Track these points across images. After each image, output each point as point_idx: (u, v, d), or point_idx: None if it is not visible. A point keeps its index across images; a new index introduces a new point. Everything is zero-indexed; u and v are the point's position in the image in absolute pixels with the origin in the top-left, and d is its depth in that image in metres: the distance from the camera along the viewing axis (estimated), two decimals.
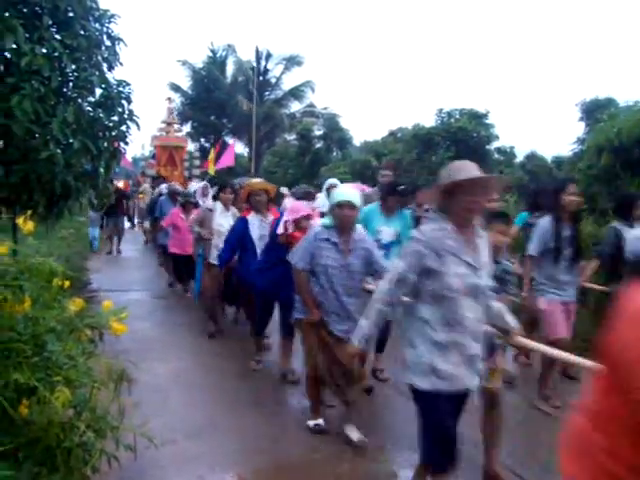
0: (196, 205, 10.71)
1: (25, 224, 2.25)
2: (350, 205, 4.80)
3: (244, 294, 7.53)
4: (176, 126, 28.95)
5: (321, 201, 7.99)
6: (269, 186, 7.57)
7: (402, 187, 6.70)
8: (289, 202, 7.19)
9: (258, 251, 6.92)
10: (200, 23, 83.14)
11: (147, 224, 16.43)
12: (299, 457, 4.70)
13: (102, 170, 7.25)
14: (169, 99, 30.72)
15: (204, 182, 13.21)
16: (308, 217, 5.95)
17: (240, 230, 7.11)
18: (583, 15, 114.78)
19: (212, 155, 24.38)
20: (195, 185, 13.50)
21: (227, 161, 24.27)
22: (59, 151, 6.13)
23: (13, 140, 5.97)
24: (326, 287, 4.91)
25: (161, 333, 8.27)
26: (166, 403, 5.63)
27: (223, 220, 8.28)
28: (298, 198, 7.22)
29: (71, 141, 6.25)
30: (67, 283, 2.33)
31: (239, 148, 28.27)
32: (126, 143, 7.45)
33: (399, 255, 3.58)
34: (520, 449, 4.87)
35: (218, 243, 7.98)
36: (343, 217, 4.81)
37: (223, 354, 7.34)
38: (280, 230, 6.05)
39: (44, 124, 5.93)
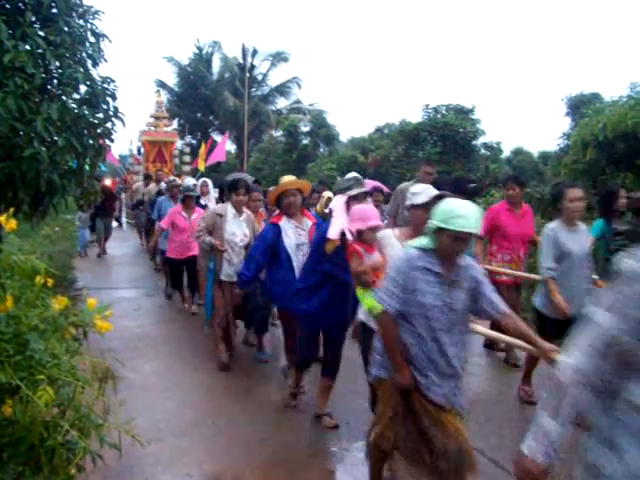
0: (198, 200, 9.77)
1: (7, 222, 2.23)
2: (470, 236, 3.35)
3: (284, 321, 6.04)
4: (165, 120, 27.96)
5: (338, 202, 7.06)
6: (304, 183, 6.27)
7: (473, 185, 5.89)
8: (339, 202, 5.00)
9: (295, 265, 5.68)
10: (186, 19, 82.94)
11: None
12: (286, 455, 4.70)
13: (87, 167, 7.22)
14: (158, 92, 29.74)
15: (203, 179, 11.66)
16: (375, 229, 4.46)
17: (271, 240, 5.74)
18: (569, 11, 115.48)
19: (203, 151, 23.27)
20: (190, 181, 11.50)
21: (218, 156, 23.51)
22: (44, 149, 6.12)
23: None
24: (425, 335, 3.49)
25: (148, 331, 8.22)
26: (152, 401, 5.61)
27: (236, 228, 6.79)
28: (351, 198, 5.02)
29: (56, 138, 6.23)
30: (51, 281, 2.31)
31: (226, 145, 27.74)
32: (111, 140, 7.44)
33: (603, 305, 2.02)
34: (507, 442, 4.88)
35: (232, 257, 6.74)
36: (454, 247, 3.37)
37: (211, 351, 7.32)
38: (333, 234, 4.70)
39: (28, 121, 5.90)
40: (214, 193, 11.14)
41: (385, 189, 11.09)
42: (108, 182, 19.40)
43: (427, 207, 3.80)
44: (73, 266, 12.98)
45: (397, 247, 4.09)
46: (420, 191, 4.07)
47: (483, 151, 28.97)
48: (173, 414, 5.38)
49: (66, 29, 6.48)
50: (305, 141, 36.10)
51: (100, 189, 14.82)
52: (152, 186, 14.97)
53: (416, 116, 30.64)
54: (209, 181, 11.21)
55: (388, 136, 31.36)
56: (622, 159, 13.18)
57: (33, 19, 6.22)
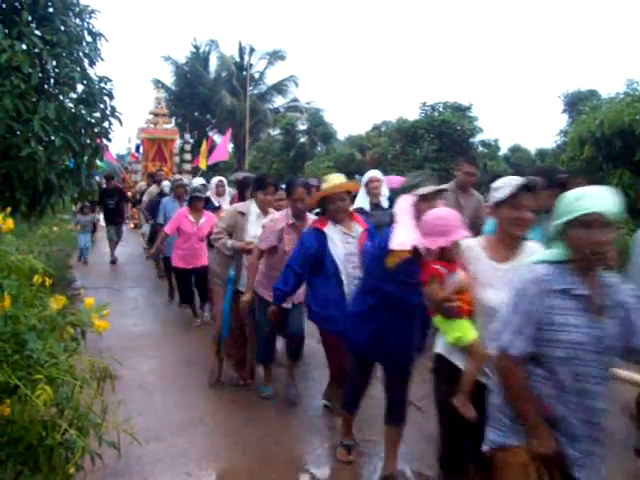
0: (207, 202, 8.60)
1: (5, 222, 2.23)
2: (605, 220, 2.48)
3: (327, 341, 5.05)
4: (165, 117, 26.80)
5: (360, 200, 6.66)
6: (353, 185, 5.41)
7: (565, 175, 4.83)
8: (404, 203, 3.86)
9: (343, 279, 4.72)
10: (183, 18, 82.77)
11: (145, 228, 12.76)
12: (285, 453, 4.70)
13: (85, 167, 7.22)
14: (157, 87, 28.99)
15: (218, 177, 10.01)
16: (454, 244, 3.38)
17: (315, 248, 4.78)
18: (566, 8, 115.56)
19: (204, 149, 22.18)
20: (198, 181, 10.56)
21: (220, 155, 22.22)
22: (41, 148, 6.13)
23: None
24: (567, 385, 2.56)
25: (145, 330, 8.22)
26: (151, 400, 5.61)
27: (258, 229, 5.74)
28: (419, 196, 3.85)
29: (53, 138, 6.24)
30: (48, 281, 2.31)
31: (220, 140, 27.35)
32: (109, 139, 7.45)
33: None
34: None
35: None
36: (594, 244, 2.47)
37: (209, 350, 7.31)
38: (399, 244, 3.58)
39: (25, 121, 5.90)
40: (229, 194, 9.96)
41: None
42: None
43: (515, 202, 3.16)
44: (71, 266, 12.96)
45: (485, 262, 3.27)
46: (502, 184, 3.26)
47: (481, 149, 28.94)
48: (171, 413, 5.38)
49: (63, 28, 6.48)
50: (302, 139, 36.07)
51: (111, 189, 14.21)
52: (153, 187, 13.58)
53: (413, 114, 30.62)
54: (225, 180, 9.95)
55: (385, 134, 31.35)
56: (619, 156, 13.19)
57: (29, 18, 6.22)
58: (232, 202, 8.61)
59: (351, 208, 5.18)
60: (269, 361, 5.92)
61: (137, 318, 8.80)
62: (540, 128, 74.35)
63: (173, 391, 5.95)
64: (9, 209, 2.39)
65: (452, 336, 3.27)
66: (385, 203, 6.91)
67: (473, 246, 3.37)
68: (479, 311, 3.20)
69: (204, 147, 22.11)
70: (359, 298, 4.20)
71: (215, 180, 9.66)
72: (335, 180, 4.94)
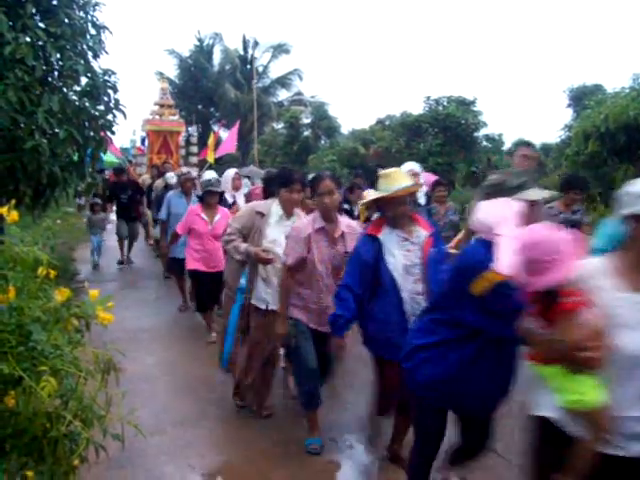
0: (221, 197, 7.81)
1: (9, 213, 2.23)
2: None
3: (386, 378, 4.17)
4: (171, 108, 25.35)
5: None
6: (417, 187, 4.56)
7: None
8: (506, 210, 2.95)
9: (404, 296, 3.93)
10: (187, 11, 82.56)
11: (156, 230, 11.35)
12: (288, 447, 4.70)
13: (88, 160, 7.23)
14: (162, 78, 27.88)
15: (234, 170, 9.25)
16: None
17: (370, 259, 3.97)
18: (571, 2, 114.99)
19: (211, 141, 20.73)
20: (210, 174, 8.78)
21: (228, 147, 21.15)
22: (45, 141, 6.12)
23: None
24: None
25: (150, 323, 8.24)
26: (154, 393, 5.63)
27: (279, 234, 4.93)
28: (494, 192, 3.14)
29: (57, 131, 6.24)
30: (53, 273, 2.31)
31: (224, 135, 26.93)
32: (112, 132, 7.44)
33: None
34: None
35: (269, 275, 5.00)
36: None
37: (212, 344, 7.32)
38: (504, 265, 2.64)
39: (29, 114, 5.90)
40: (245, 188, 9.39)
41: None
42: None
43: None
44: (74, 258, 12.98)
45: (617, 293, 2.45)
46: None
47: (485, 143, 28.87)
48: (175, 406, 5.40)
49: (67, 21, 6.47)
50: (306, 133, 36.00)
51: (123, 182, 13.19)
52: (159, 182, 12.80)
53: (417, 108, 30.56)
54: (247, 173, 9.28)
55: (389, 128, 31.29)
56: (624, 151, 13.18)
57: (33, 11, 6.21)
58: (248, 198, 8.27)
59: None
60: (316, 405, 4.68)
61: (141, 311, 8.81)
62: (544, 123, 74.20)
63: (177, 384, 5.97)
64: (13, 201, 2.39)
65: (570, 397, 2.45)
66: (422, 199, 6.42)
67: (595, 270, 2.53)
68: (609, 362, 2.38)
69: (212, 139, 21.03)
70: (428, 327, 3.25)
71: (231, 173, 8.85)
72: (397, 179, 4.07)
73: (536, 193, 3.05)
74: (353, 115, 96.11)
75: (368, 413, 4.55)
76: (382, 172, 4.21)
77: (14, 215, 2.26)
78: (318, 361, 4.55)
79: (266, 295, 5.00)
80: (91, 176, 7.71)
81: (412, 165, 6.39)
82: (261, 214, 5.03)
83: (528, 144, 6.62)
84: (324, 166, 25.77)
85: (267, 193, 5.72)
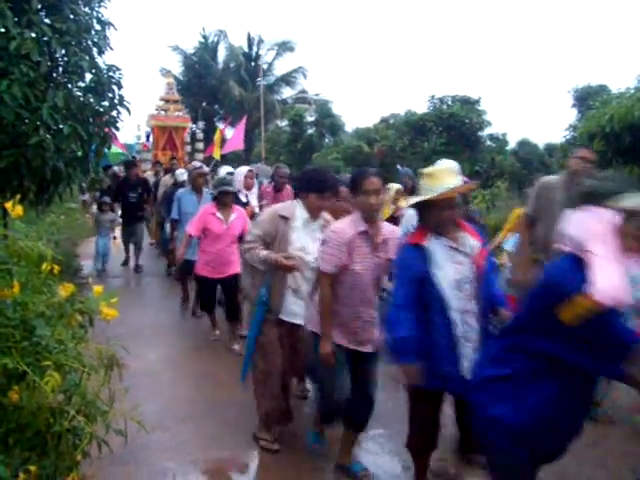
0: (237, 197, 7.45)
1: (14, 208, 2.24)
2: None
3: (422, 412, 3.65)
4: (177, 104, 25.05)
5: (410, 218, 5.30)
6: (469, 187, 4.36)
7: None
8: (600, 223, 2.49)
9: (454, 317, 3.39)
10: (191, 8, 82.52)
11: (167, 229, 10.02)
12: (292, 442, 4.70)
13: (93, 155, 7.23)
14: (168, 72, 27.62)
15: (247, 167, 8.57)
16: None
17: (419, 273, 3.40)
18: (576, 2, 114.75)
19: (217, 137, 20.25)
20: (225, 171, 8.63)
21: (235, 144, 20.16)
22: (49, 136, 6.13)
23: (2, 125, 5.95)
24: None
25: (152, 319, 8.24)
26: (157, 389, 5.64)
27: (307, 239, 4.48)
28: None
29: (61, 126, 6.24)
30: (57, 268, 2.32)
31: (229, 133, 26.65)
32: (117, 128, 7.45)
33: None
34: None
35: (299, 284, 4.49)
36: None
37: (216, 341, 7.32)
38: (610, 292, 2.31)
39: (34, 109, 5.91)
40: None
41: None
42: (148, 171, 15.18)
43: None
44: (77, 254, 13.00)
45: None
46: None
47: (489, 142, 28.85)
48: (178, 401, 5.41)
49: (72, 17, 6.47)
50: (310, 131, 36.00)
51: (134, 178, 11.91)
52: (166, 178, 12.28)
53: (422, 107, 30.56)
54: (255, 170, 8.45)
55: (394, 127, 31.27)
56: (629, 151, 13.13)
57: (39, 7, 6.21)
58: (261, 197, 8.27)
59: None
60: (332, 422, 4.31)
61: (144, 307, 8.82)
62: (549, 123, 74.06)
63: (179, 380, 5.98)
64: (18, 196, 2.40)
65: None
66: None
67: None
68: None
69: (218, 136, 20.50)
70: (500, 355, 2.78)
71: (243, 170, 8.22)
72: (444, 178, 3.50)
73: (631, 201, 2.48)
74: (357, 113, 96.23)
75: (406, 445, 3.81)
76: (425, 171, 3.62)
77: (18, 210, 2.26)
78: (355, 387, 4.02)
79: (297, 308, 4.44)
80: (95, 172, 7.71)
81: (449, 164, 5.59)
82: (285, 218, 4.45)
83: (586, 146, 6.20)
84: (328, 164, 25.76)
85: (297, 192, 4.97)
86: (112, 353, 2.20)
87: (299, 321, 4.42)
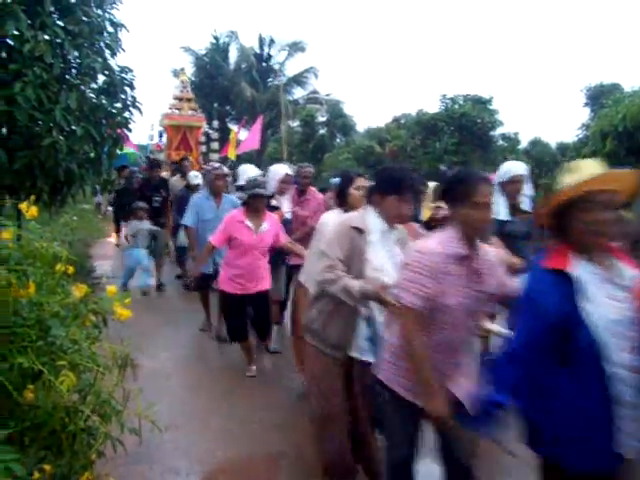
0: (268, 202, 6.38)
1: (28, 209, 2.25)
2: None
3: None
4: (191, 103, 23.64)
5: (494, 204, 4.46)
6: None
7: None
8: None
9: (613, 370, 2.49)
10: (203, 9, 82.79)
11: (182, 237, 9.31)
12: (302, 441, 4.71)
13: (105, 157, 7.26)
14: (182, 70, 26.41)
15: (283, 167, 7.24)
16: None
17: (559, 311, 2.52)
18: (589, 0, 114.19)
19: (233, 137, 19.58)
20: (254, 171, 7.64)
21: (251, 143, 19.28)
22: (62, 138, 6.16)
23: (16, 127, 6.00)
24: None
25: (164, 319, 8.26)
26: (169, 388, 5.66)
27: (386, 257, 3.63)
28: None
29: (74, 128, 6.27)
30: (71, 268, 2.33)
31: (243, 135, 26.28)
32: (129, 130, 7.48)
33: None
34: None
35: (373, 312, 3.65)
36: None
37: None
38: None
39: (47, 111, 5.94)
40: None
41: None
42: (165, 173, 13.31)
43: None
44: (90, 255, 13.05)
45: None
46: None
47: (501, 142, 28.74)
48: (190, 401, 5.43)
49: (84, 19, 6.50)
50: (322, 131, 36.01)
51: (157, 180, 10.70)
52: (176, 178, 11.37)
53: (433, 106, 30.47)
54: (291, 171, 7.17)
55: (405, 126, 31.22)
56: None
57: (52, 9, 6.24)
58: (293, 202, 7.14)
59: None
60: None
61: (156, 307, 8.84)
62: (561, 122, 73.68)
63: (191, 380, 6.00)
64: (33, 197, 2.41)
65: None
66: (527, 205, 5.33)
67: None
68: None
69: (233, 135, 19.94)
70: None
71: (280, 171, 6.91)
72: (591, 168, 2.60)
73: None
74: (369, 113, 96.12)
75: None
76: (567, 165, 2.77)
77: (33, 211, 2.28)
78: (447, 457, 3.18)
79: (366, 343, 3.66)
80: (107, 173, 7.74)
81: (516, 165, 5.21)
82: (359, 231, 3.56)
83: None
84: (340, 165, 25.75)
85: (341, 200, 4.52)
86: (126, 353, 2.21)
87: (372, 358, 3.53)
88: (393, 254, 3.61)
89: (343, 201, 4.50)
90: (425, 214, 5.15)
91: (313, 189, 7.49)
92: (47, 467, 1.92)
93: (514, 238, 4.96)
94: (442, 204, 5.58)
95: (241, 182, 7.26)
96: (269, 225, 5.99)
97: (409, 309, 2.95)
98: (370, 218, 3.63)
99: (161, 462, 4.27)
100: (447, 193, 3.15)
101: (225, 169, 7.82)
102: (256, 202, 5.91)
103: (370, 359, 3.57)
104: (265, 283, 6.13)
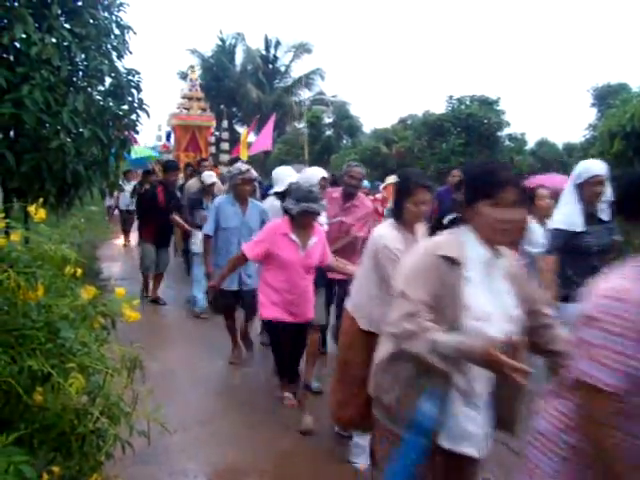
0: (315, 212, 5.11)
1: (37, 211, 2.26)
2: None
3: None
4: (201, 102, 23.07)
5: (568, 208, 4.58)
6: None
7: None
8: None
9: None
10: (209, 11, 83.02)
11: (196, 246, 8.45)
12: (310, 444, 4.71)
13: (112, 159, 7.29)
14: (192, 67, 26.18)
15: (319, 171, 6.18)
16: None
17: None
18: (595, 0, 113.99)
19: (244, 138, 18.84)
20: (311, 174, 6.10)
21: (264, 144, 18.52)
22: (69, 140, 6.19)
23: (24, 130, 6.03)
24: None
25: (173, 321, 8.28)
26: (178, 390, 5.66)
27: (488, 297, 2.48)
28: None
29: (81, 130, 6.30)
30: (79, 271, 2.34)
31: (250, 137, 25.99)
32: (136, 132, 7.52)
33: None
34: None
35: (473, 375, 2.45)
36: None
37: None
38: None
39: (54, 113, 5.96)
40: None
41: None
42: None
43: None
44: (98, 257, 13.09)
45: None
46: None
47: (507, 142, 28.73)
48: (198, 403, 5.43)
49: (91, 21, 6.53)
50: (328, 132, 36.07)
51: (173, 186, 9.62)
52: (193, 181, 10.18)
53: (440, 107, 30.53)
54: (326, 174, 6.27)
55: (412, 127, 31.23)
56: None
57: (59, 12, 6.28)
58: (338, 208, 6.22)
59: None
60: None
61: (164, 309, 8.85)
62: (568, 122, 73.54)
63: (200, 382, 6.00)
64: (41, 199, 2.42)
65: None
66: (605, 214, 4.60)
67: None
68: None
69: (244, 136, 19.15)
70: None
71: (316, 175, 5.92)
72: None
73: None
74: (375, 114, 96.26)
75: None
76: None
77: (41, 213, 2.28)
78: None
79: (473, 426, 2.50)
80: (114, 175, 7.77)
81: (595, 164, 4.58)
82: (451, 261, 2.45)
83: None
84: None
85: (398, 211, 3.78)
86: (135, 355, 2.22)
87: (475, 452, 2.52)
88: (501, 295, 2.50)
89: (399, 215, 3.77)
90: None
91: (362, 194, 6.66)
92: (56, 469, 1.92)
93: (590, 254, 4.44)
94: None
95: (280, 188, 6.41)
96: (317, 241, 5.12)
97: (600, 392, 1.94)
98: (467, 243, 2.49)
99: (169, 463, 4.27)
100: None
101: (253, 172, 6.72)
102: (307, 217, 5.00)
103: (474, 453, 2.52)
104: (309, 312, 5.18)
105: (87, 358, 2.07)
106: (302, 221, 4.98)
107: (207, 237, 6.64)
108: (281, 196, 6.26)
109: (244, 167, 6.62)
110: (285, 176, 6.56)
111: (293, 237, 4.99)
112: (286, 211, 5.10)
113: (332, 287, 6.19)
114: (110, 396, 2.14)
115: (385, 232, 3.77)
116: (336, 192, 6.36)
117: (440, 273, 2.44)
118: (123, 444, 2.17)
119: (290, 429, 4.94)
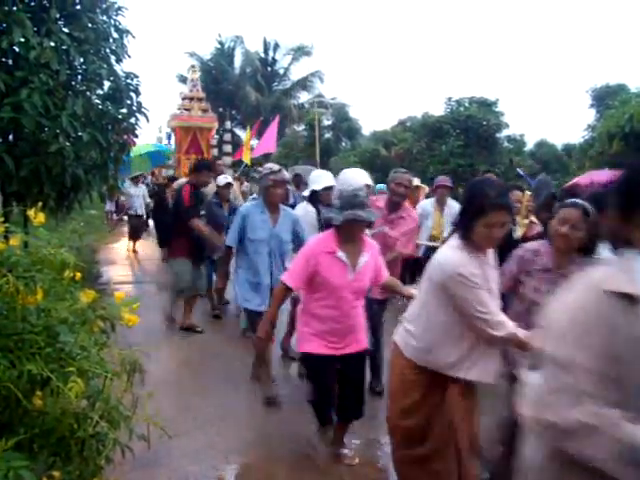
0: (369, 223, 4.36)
1: (36, 215, 2.26)
2: None
3: None
4: (202, 103, 22.44)
5: None
6: None
7: None
8: None
9: None
10: (208, 14, 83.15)
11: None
12: (312, 447, 4.70)
13: (111, 163, 7.28)
14: (193, 67, 25.51)
15: (363, 175, 5.67)
16: None
17: None
18: (594, 1, 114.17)
19: (247, 139, 18.39)
20: (355, 177, 5.44)
21: (267, 146, 17.94)
22: (68, 144, 6.18)
23: (23, 134, 6.02)
24: None
25: (173, 325, 8.25)
26: (178, 394, 5.66)
27: None
28: None
29: (80, 134, 6.28)
30: (79, 274, 2.33)
31: (253, 141, 25.48)
32: (135, 135, 7.50)
33: None
34: None
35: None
36: None
37: (233, 344, 7.32)
38: None
39: (53, 117, 5.95)
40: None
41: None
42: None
43: None
44: (97, 260, 13.10)
45: None
46: None
47: (506, 144, 28.73)
48: (199, 407, 5.42)
49: (90, 25, 6.52)
50: (327, 135, 36.06)
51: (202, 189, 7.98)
52: (210, 186, 8.57)
53: (439, 109, 30.56)
54: (370, 180, 5.65)
55: (411, 129, 31.23)
56: None
57: (57, 16, 6.27)
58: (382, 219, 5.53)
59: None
60: None
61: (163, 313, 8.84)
62: (567, 123, 73.67)
63: (201, 385, 5.99)
64: (40, 203, 2.42)
65: None
66: None
67: None
68: None
69: (247, 138, 18.58)
70: None
71: (359, 179, 5.18)
72: None
73: None
74: (374, 117, 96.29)
75: None
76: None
77: (40, 217, 2.28)
78: None
79: None
80: (113, 179, 7.75)
81: None
82: (630, 299, 1.63)
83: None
84: (346, 168, 25.75)
85: (466, 225, 3.16)
86: (135, 359, 2.21)
87: None
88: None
89: (467, 235, 3.16)
90: (520, 230, 4.26)
91: (408, 205, 6.04)
92: (56, 473, 1.92)
93: None
94: (534, 219, 4.60)
95: (318, 186, 6.05)
96: (369, 258, 4.25)
97: None
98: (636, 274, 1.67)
99: (169, 468, 4.27)
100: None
101: (286, 174, 5.80)
102: (354, 229, 4.15)
103: None
104: (362, 340, 4.39)
105: (86, 362, 2.07)
106: (349, 233, 4.14)
107: (228, 248, 5.93)
108: (313, 201, 5.94)
109: (276, 166, 5.70)
110: (319, 180, 6.18)
111: (340, 255, 4.12)
112: (327, 223, 4.38)
113: (371, 307, 5.20)
114: (110, 400, 2.14)
115: (453, 257, 3.13)
116: (380, 201, 5.77)
117: (615, 324, 1.62)
118: (123, 448, 2.17)
119: (295, 435, 4.94)
